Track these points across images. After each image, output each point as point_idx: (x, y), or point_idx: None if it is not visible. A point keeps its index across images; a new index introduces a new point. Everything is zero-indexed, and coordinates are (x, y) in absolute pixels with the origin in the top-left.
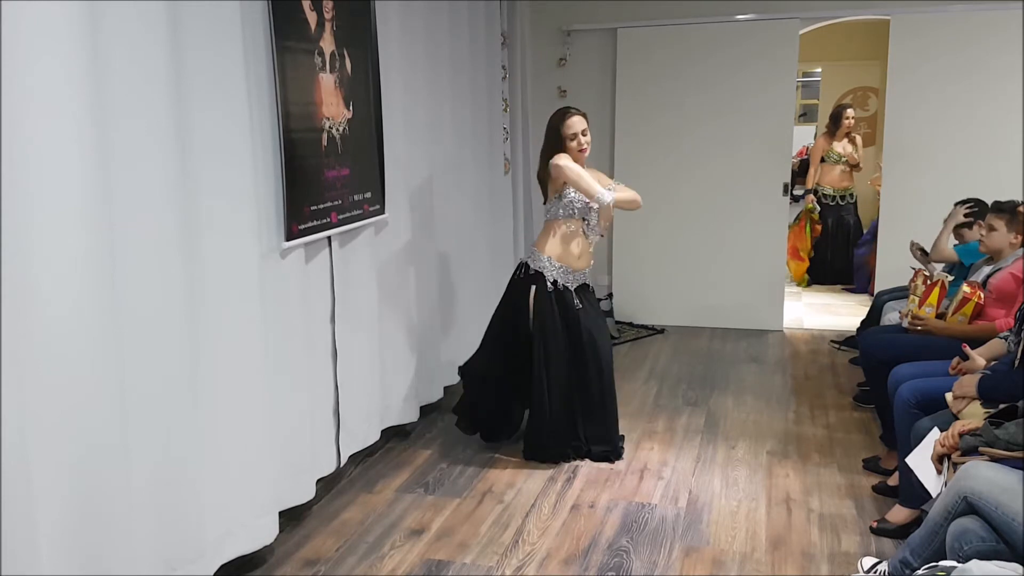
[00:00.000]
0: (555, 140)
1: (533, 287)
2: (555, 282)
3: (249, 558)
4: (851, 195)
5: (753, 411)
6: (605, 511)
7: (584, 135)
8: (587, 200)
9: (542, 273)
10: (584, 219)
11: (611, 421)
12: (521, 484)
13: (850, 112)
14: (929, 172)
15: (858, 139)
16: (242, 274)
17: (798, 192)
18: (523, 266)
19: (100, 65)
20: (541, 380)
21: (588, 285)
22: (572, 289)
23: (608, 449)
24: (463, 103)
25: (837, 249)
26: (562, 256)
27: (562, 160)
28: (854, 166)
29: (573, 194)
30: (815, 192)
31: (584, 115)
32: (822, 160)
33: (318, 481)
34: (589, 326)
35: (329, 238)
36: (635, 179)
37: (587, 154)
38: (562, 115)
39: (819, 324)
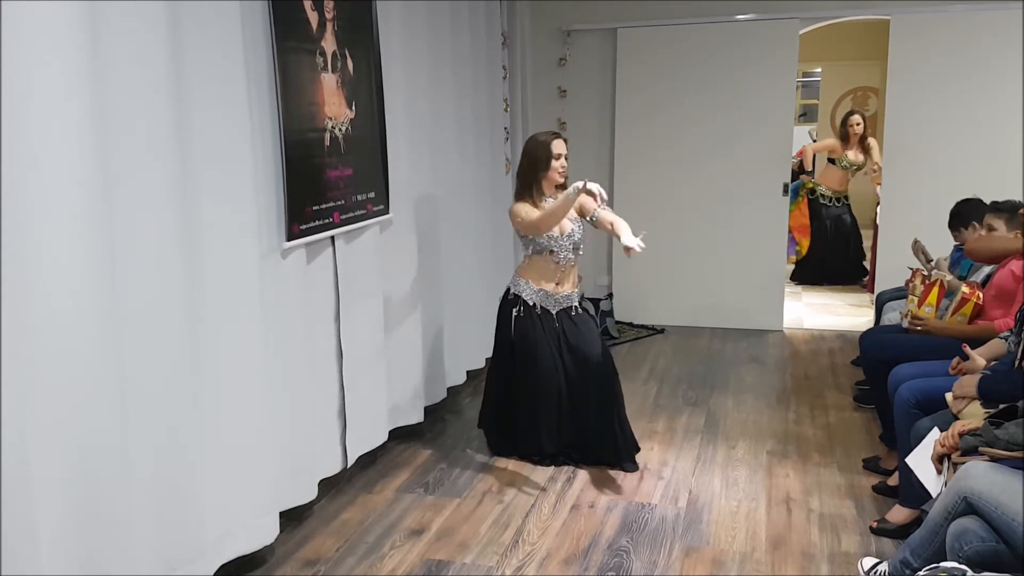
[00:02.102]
0: (542, 159)
1: (514, 309)
2: (534, 304)
3: (249, 558)
4: (846, 197)
5: (753, 411)
6: (605, 511)
7: (565, 159)
8: (551, 235)
9: (519, 296)
10: (552, 251)
11: (615, 432)
12: (521, 484)
13: (854, 119)
14: (929, 172)
15: (871, 142)
16: (242, 274)
17: None
18: (507, 290)
19: (100, 65)
20: (528, 396)
21: (575, 308)
22: (553, 312)
23: (607, 458)
24: (465, 103)
25: (836, 249)
26: (539, 280)
27: (520, 210)
28: (875, 171)
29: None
30: (812, 192)
31: (565, 140)
32: (831, 161)
33: (322, 481)
34: (574, 345)
35: (332, 238)
36: (635, 179)
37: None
38: (547, 137)
39: (819, 324)
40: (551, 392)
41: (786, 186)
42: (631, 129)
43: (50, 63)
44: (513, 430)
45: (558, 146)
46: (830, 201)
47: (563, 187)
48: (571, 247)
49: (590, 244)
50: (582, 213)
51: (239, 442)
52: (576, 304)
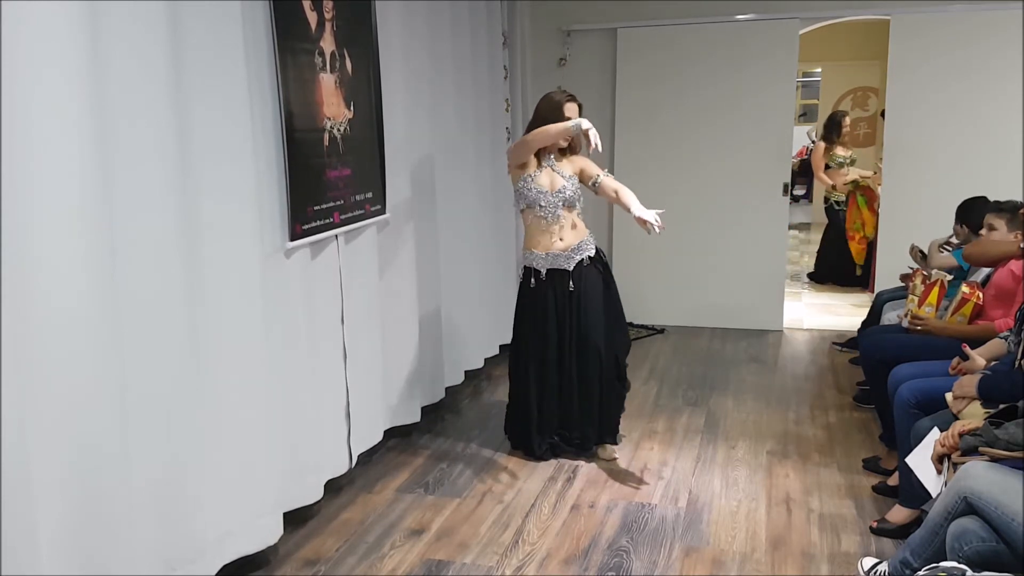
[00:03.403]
0: (551, 119)
1: (524, 283)
2: (543, 273)
3: (250, 558)
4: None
5: (753, 411)
6: (605, 511)
7: None
8: (539, 190)
9: (531, 267)
10: (540, 205)
11: (603, 411)
12: (521, 484)
13: (847, 119)
14: (929, 172)
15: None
16: (245, 274)
17: (798, 192)
18: (521, 267)
19: (100, 65)
20: (522, 373)
21: (591, 258)
22: (570, 269)
23: (587, 438)
24: (465, 103)
25: (844, 251)
26: (543, 243)
27: (514, 143)
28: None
29: (521, 183)
30: (835, 202)
31: (580, 106)
32: (827, 167)
33: (326, 482)
34: (580, 315)
35: (337, 236)
36: (635, 179)
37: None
38: (561, 98)
39: (819, 324)
40: (549, 372)
41: (786, 186)
42: (631, 129)
43: (50, 63)
44: (524, 414)
45: (570, 110)
46: (839, 205)
47: (568, 152)
48: (560, 203)
49: None
50: (584, 179)
51: (241, 442)
52: (590, 255)
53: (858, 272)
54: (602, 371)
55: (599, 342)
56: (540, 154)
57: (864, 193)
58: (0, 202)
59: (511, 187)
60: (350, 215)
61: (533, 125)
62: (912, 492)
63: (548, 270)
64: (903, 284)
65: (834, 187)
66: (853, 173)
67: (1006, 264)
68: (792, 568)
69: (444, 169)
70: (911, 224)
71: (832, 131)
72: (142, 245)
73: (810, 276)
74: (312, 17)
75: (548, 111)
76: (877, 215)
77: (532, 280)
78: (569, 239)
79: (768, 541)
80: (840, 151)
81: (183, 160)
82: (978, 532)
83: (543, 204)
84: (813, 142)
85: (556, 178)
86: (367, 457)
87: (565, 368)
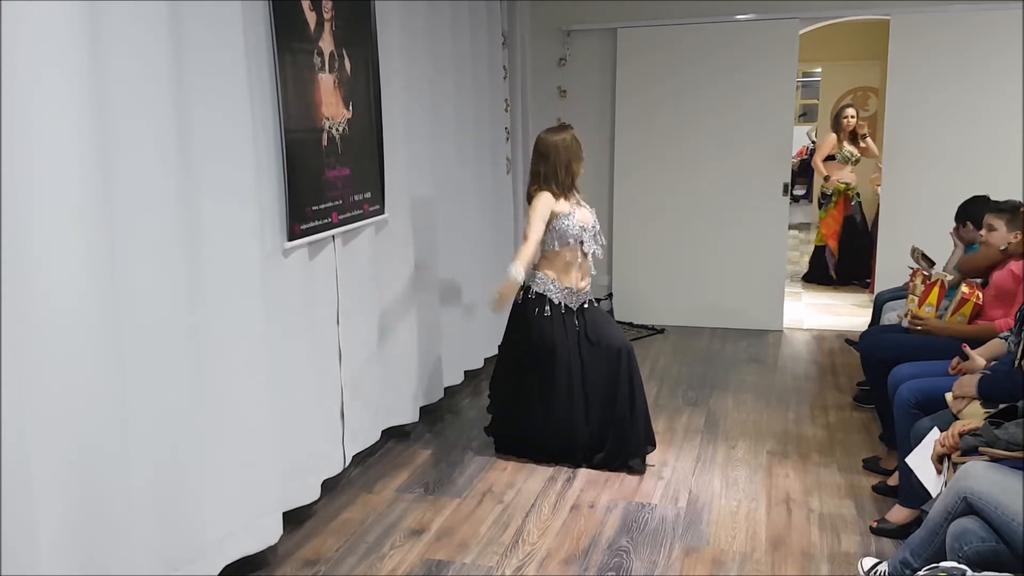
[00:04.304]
0: (578, 155)
1: (536, 308)
2: (559, 304)
3: (250, 558)
4: (857, 194)
5: (753, 411)
6: (605, 511)
7: None
8: (582, 224)
9: (545, 295)
10: (582, 242)
11: (624, 431)
12: (521, 484)
13: (849, 112)
14: (929, 172)
15: (868, 139)
16: (244, 274)
17: (799, 192)
18: (525, 288)
19: (101, 65)
20: (543, 396)
21: (589, 302)
22: (574, 308)
23: (611, 460)
24: (465, 103)
25: (842, 248)
26: (564, 277)
27: (544, 203)
28: (873, 158)
29: (565, 222)
30: (822, 195)
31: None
32: (832, 157)
33: (323, 481)
34: (595, 339)
35: (333, 237)
36: (635, 179)
37: None
38: (575, 139)
39: (819, 324)
40: (565, 393)
41: (786, 186)
42: (631, 129)
43: (50, 63)
44: (524, 430)
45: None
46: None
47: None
48: (593, 237)
49: None
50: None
51: (241, 442)
52: (592, 298)
53: (833, 275)
54: (629, 372)
55: (621, 340)
56: (567, 192)
57: (848, 200)
58: (0, 202)
59: (510, 187)
60: (349, 215)
61: (559, 163)
62: (912, 492)
63: (564, 304)
64: (904, 284)
65: (827, 178)
66: (851, 177)
67: (1006, 264)
68: (792, 568)
69: (443, 169)
70: (911, 224)
71: (836, 126)
72: (142, 245)
73: (805, 278)
74: (311, 17)
75: (572, 147)
76: (844, 217)
77: (548, 308)
78: (587, 278)
79: (768, 541)
80: (849, 147)
81: (183, 160)
82: (978, 532)
83: (584, 240)
84: (813, 142)
85: (585, 213)
86: (367, 457)
87: (574, 396)
